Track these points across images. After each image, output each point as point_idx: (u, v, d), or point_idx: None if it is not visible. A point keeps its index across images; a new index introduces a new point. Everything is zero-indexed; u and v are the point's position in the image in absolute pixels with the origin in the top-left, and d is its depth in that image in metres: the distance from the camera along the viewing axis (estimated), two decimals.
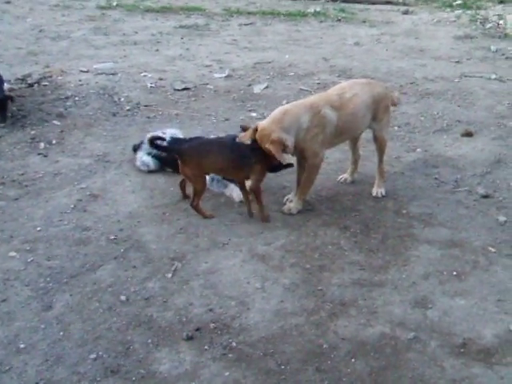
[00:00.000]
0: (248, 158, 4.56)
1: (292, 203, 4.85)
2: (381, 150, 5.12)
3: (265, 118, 6.88)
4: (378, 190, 5.16)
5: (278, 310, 3.77)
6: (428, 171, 5.68)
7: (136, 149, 5.52)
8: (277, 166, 4.71)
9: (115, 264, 4.15)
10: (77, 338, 3.49)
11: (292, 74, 8.59)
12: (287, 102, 7.22)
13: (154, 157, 5.28)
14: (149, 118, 6.76)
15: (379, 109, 4.93)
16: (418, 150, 6.13)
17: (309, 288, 3.97)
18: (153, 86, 7.76)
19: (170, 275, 4.06)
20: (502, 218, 4.84)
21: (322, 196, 5.10)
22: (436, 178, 5.53)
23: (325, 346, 3.51)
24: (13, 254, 4.25)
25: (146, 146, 5.24)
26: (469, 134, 6.56)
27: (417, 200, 5.10)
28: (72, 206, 4.86)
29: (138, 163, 5.38)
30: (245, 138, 4.52)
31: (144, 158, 5.33)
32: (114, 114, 6.76)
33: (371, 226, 4.68)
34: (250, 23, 11.86)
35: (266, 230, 4.61)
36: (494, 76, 8.56)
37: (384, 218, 4.80)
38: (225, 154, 4.60)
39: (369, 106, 4.84)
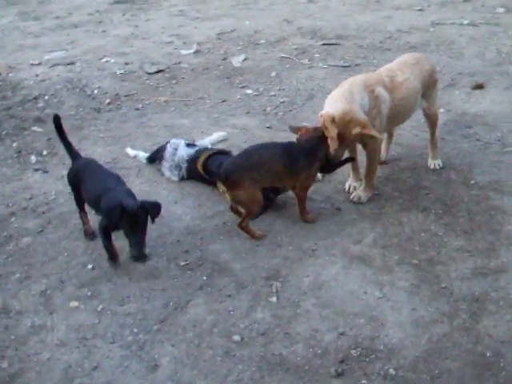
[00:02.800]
0: (305, 160, 3.97)
1: (360, 191, 4.36)
2: (433, 124, 4.75)
3: (262, 94, 6.41)
4: (434, 162, 4.79)
5: (415, 320, 3.32)
6: (465, 132, 5.37)
7: (154, 159, 4.79)
8: (335, 165, 4.18)
9: (205, 296, 3.52)
10: None
11: (263, 41, 7.98)
12: (276, 74, 6.72)
13: (189, 171, 4.60)
14: (138, 109, 5.99)
15: (429, 86, 4.53)
16: (441, 110, 5.76)
17: (432, 287, 3.54)
18: (122, 72, 6.92)
19: (274, 299, 3.49)
20: None
21: (379, 176, 4.62)
22: (478, 140, 5.23)
23: (488, 354, 3.10)
24: (75, 303, 3.52)
25: (170, 155, 4.58)
26: (480, 87, 6.32)
27: (476, 167, 4.77)
28: None
29: (168, 173, 4.65)
30: (312, 132, 3.94)
31: (173, 170, 4.61)
32: (98, 111, 5.92)
33: (450, 204, 4.30)
34: None
35: (346, 226, 4.11)
36: (465, 21, 8.35)
37: (457, 193, 4.43)
38: (278, 160, 3.95)
39: (419, 89, 4.43)
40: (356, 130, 3.85)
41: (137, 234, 3.54)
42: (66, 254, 3.91)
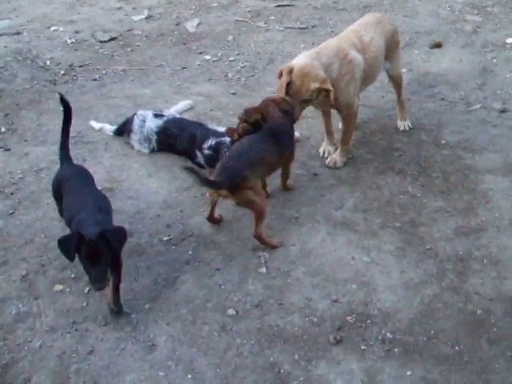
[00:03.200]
0: (286, 137, 3.84)
1: (336, 156, 4.35)
2: (398, 86, 4.76)
3: (221, 59, 6.27)
4: (403, 124, 4.83)
5: (405, 282, 3.38)
6: (429, 92, 5.42)
7: (122, 131, 4.64)
8: None
9: (193, 271, 3.46)
10: (212, 376, 2.85)
11: (215, 4, 7.79)
12: (234, 38, 6.60)
13: (159, 142, 4.49)
14: (95, 80, 5.76)
15: (391, 47, 4.51)
16: (404, 70, 5.77)
17: (417, 249, 3.60)
18: (73, 41, 6.62)
19: (264, 270, 3.47)
20: None
21: (352, 140, 4.61)
22: (443, 99, 5.30)
23: (478, 311, 3.19)
24: (59, 287, 3.41)
25: (138, 127, 4.46)
26: (438, 45, 6.37)
27: (445, 127, 4.84)
28: None
29: (137, 146, 4.52)
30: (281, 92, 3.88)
31: (143, 143, 4.48)
32: (54, 83, 5.67)
33: (424, 165, 4.37)
34: None
35: (325, 192, 4.12)
36: None
37: (430, 153, 4.50)
38: (271, 149, 3.72)
39: (383, 47, 4.41)
40: (314, 85, 3.80)
41: (97, 266, 2.87)
42: (42, 235, 3.76)
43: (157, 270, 3.47)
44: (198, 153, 4.21)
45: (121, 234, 2.97)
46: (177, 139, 4.36)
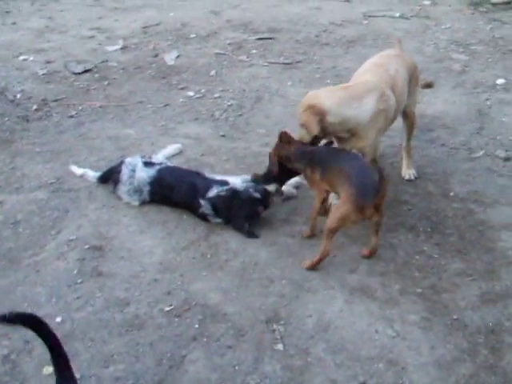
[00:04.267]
0: None
1: None
2: (411, 127, 4.50)
3: (205, 96, 5.92)
4: (409, 173, 4.57)
5: (436, 360, 3.08)
6: (428, 137, 5.21)
7: (107, 179, 4.25)
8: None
9: (202, 349, 3.08)
10: None
11: (193, 35, 7.47)
12: (216, 72, 6.29)
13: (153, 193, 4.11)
14: (72, 117, 5.36)
15: (412, 82, 4.24)
16: None
17: (444, 320, 3.32)
18: (45, 72, 6.19)
19: (280, 347, 3.12)
20: None
21: None
22: (443, 145, 5.09)
23: None
24: (49, 369, 2.95)
25: (128, 178, 4.07)
26: (429, 85, 6.10)
27: (451, 177, 4.61)
28: (75, 271, 3.56)
29: (126, 197, 4.12)
30: None
31: (132, 194, 4.09)
32: (27, 119, 5.24)
33: (436, 220, 4.11)
34: None
35: (336, 252, 3.79)
36: (397, 14, 8.23)
37: (440, 207, 4.25)
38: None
39: (407, 81, 4.13)
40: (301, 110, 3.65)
41: None
42: (25, 303, 3.31)
43: (160, 347, 3.07)
44: (203, 201, 3.84)
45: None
46: (173, 190, 3.99)
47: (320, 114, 3.60)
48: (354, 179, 3.40)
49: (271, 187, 3.96)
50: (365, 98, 3.69)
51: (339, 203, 3.48)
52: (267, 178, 3.86)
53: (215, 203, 3.83)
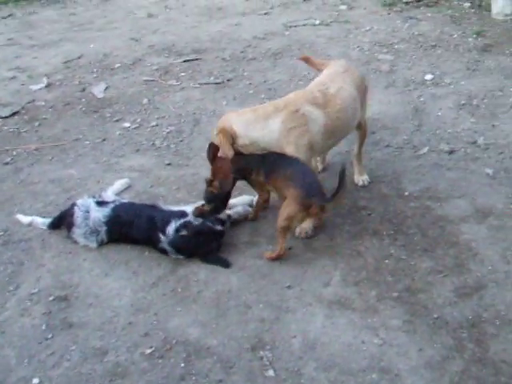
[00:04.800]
0: None
1: (304, 224, 4.02)
2: (364, 137, 4.56)
3: (142, 125, 5.78)
4: (362, 179, 4.61)
5: (427, 362, 3.08)
6: (371, 139, 5.26)
7: (58, 225, 4.07)
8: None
9: None
10: None
11: (118, 65, 7.32)
12: (148, 100, 6.19)
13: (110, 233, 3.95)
14: (8, 163, 5.15)
15: (360, 94, 4.29)
16: None
17: (425, 320, 3.36)
18: None
19: (271, 373, 3.05)
20: (488, 170, 4.67)
21: None
22: (388, 145, 5.17)
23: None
24: None
25: (82, 220, 3.93)
26: None
27: (402, 177, 4.67)
28: (43, 326, 3.38)
29: (82, 241, 3.95)
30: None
31: (89, 236, 3.93)
32: None
33: (397, 222, 4.15)
34: (9, 15, 9.83)
35: (306, 267, 3.77)
36: (317, 21, 8.36)
37: (398, 208, 4.30)
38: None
39: (356, 96, 4.17)
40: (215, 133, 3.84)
41: None
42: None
43: None
44: (162, 237, 3.73)
45: None
46: (131, 226, 3.85)
47: (230, 136, 3.78)
48: (298, 181, 3.60)
49: (223, 215, 3.90)
50: (270, 119, 3.80)
51: (286, 204, 3.64)
52: (214, 207, 3.80)
53: (177, 244, 3.72)
